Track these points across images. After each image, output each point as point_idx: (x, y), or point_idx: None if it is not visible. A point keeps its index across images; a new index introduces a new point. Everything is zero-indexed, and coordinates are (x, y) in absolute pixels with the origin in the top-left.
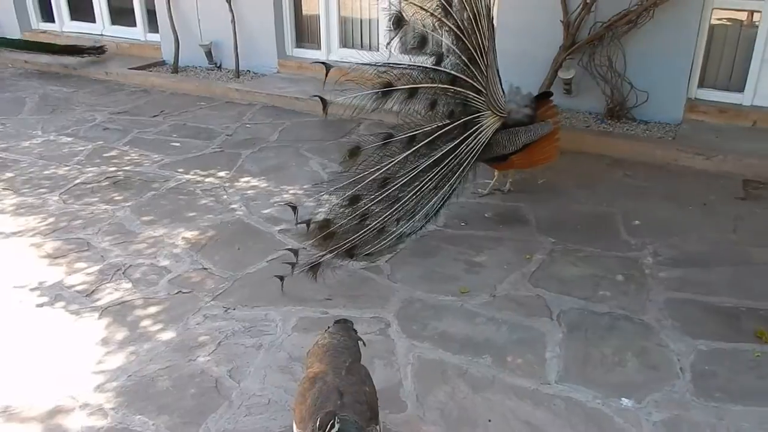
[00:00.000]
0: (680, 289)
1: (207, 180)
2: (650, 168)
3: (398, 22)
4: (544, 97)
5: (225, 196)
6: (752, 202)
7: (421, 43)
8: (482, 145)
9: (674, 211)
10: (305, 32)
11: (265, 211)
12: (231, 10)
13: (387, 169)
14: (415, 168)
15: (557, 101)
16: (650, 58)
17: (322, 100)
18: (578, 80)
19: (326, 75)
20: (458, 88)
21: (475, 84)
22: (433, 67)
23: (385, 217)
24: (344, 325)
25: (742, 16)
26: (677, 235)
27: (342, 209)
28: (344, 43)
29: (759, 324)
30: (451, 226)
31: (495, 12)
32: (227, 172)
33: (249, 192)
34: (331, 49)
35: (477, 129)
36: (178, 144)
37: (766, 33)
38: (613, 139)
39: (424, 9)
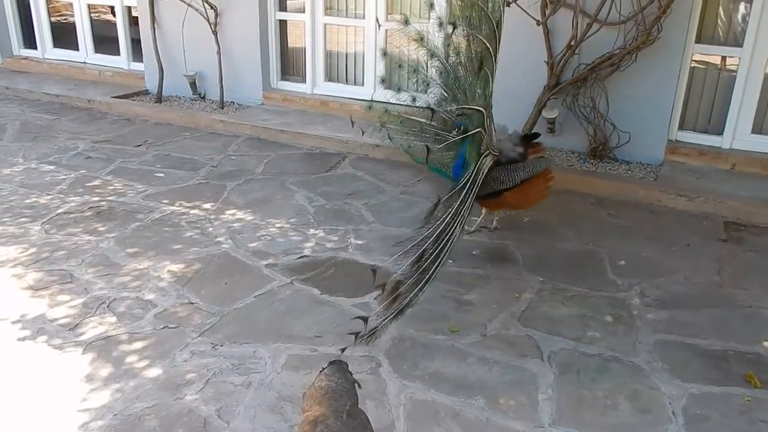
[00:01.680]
0: (669, 331)
1: (192, 212)
2: (633, 208)
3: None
4: (531, 137)
5: (211, 229)
6: (734, 244)
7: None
8: (479, 183)
9: (659, 252)
10: (290, 65)
11: (252, 245)
12: (217, 42)
13: (446, 221)
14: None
15: (541, 139)
16: (633, 100)
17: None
18: (562, 120)
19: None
20: (482, 131)
21: (485, 124)
22: (461, 109)
23: (434, 269)
24: (340, 366)
25: (721, 60)
26: (663, 276)
27: (410, 268)
28: (329, 76)
29: (747, 367)
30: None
31: None
32: (213, 204)
33: (235, 225)
34: (316, 83)
35: (481, 170)
36: (162, 174)
37: (744, 78)
38: (596, 179)
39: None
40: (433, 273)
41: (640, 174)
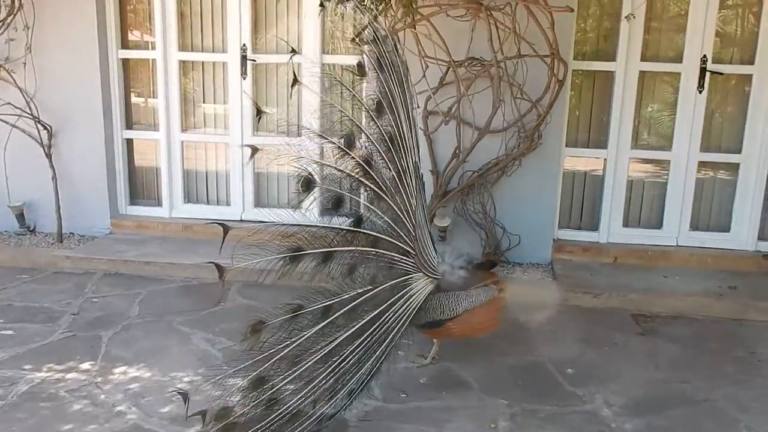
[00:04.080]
0: None
1: (69, 376)
2: (543, 310)
3: (308, 184)
4: (488, 264)
5: (103, 396)
6: (652, 336)
7: (336, 204)
8: (414, 310)
9: (594, 354)
10: (141, 187)
11: (165, 410)
12: (52, 166)
13: (298, 345)
14: (332, 341)
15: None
16: (520, 202)
17: (218, 267)
18: (452, 227)
19: (224, 237)
20: (381, 250)
21: (401, 245)
22: (351, 228)
23: (298, 399)
24: None
25: (591, 162)
26: (613, 380)
27: (245, 394)
28: (188, 197)
29: None
30: (392, 400)
31: None
32: (92, 362)
33: (133, 386)
34: (174, 205)
35: (407, 293)
36: (11, 332)
37: (613, 177)
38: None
39: (340, 170)
40: (318, 409)
41: (538, 275)
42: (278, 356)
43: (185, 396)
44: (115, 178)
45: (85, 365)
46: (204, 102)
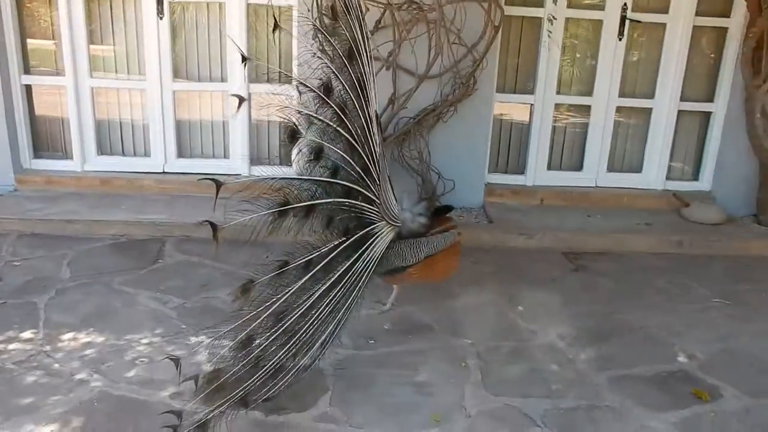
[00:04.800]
0: (607, 368)
1: (12, 347)
2: (486, 252)
3: (293, 134)
4: (444, 210)
5: (57, 365)
6: (584, 272)
7: (317, 155)
8: (377, 258)
9: (538, 291)
10: (45, 139)
11: (130, 374)
12: None
13: (284, 302)
14: (312, 294)
15: None
16: (454, 148)
17: (213, 225)
18: (390, 173)
19: (217, 193)
20: (353, 201)
21: (368, 194)
22: (329, 179)
23: (281, 355)
24: None
25: (518, 107)
26: (559, 314)
27: (233, 354)
28: (101, 149)
29: (684, 384)
30: (361, 347)
31: None
32: (34, 330)
33: (87, 352)
34: (86, 158)
35: (372, 242)
36: None
37: (540, 122)
38: None
39: (319, 119)
40: (299, 361)
41: (474, 219)
42: (266, 314)
43: (177, 361)
44: (16, 130)
45: (27, 334)
46: (115, 44)
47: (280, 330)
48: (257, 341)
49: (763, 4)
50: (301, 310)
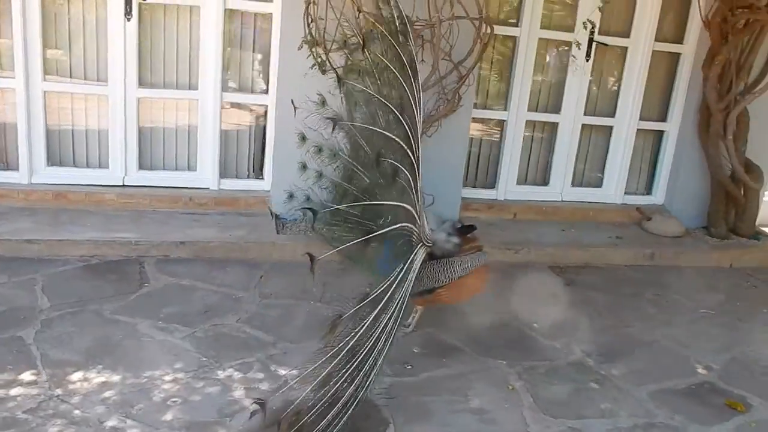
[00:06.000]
0: (642, 383)
1: (16, 393)
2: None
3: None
4: (467, 230)
5: (78, 412)
6: (576, 286)
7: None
8: (413, 280)
9: (546, 308)
10: None
11: (168, 417)
12: None
13: (360, 335)
14: (379, 325)
15: None
16: (435, 164)
17: (311, 257)
18: None
19: (312, 266)
20: (408, 224)
21: (416, 216)
22: (400, 204)
23: (350, 390)
24: None
25: (490, 123)
26: (574, 330)
27: (313, 394)
28: (53, 159)
29: (717, 396)
30: (401, 373)
31: None
32: (34, 371)
33: (108, 394)
34: (34, 169)
35: (413, 264)
36: None
37: (512, 138)
38: None
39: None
40: (356, 391)
41: None
42: (345, 349)
43: (263, 405)
44: None
45: (27, 376)
46: (71, 45)
47: (354, 365)
48: (334, 379)
49: (727, 33)
50: (371, 343)
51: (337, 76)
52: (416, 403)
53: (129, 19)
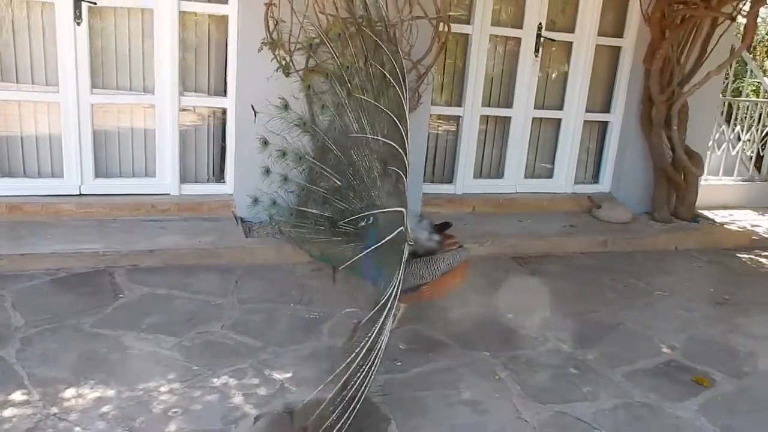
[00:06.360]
0: (616, 365)
1: (9, 414)
2: None
3: None
4: (444, 227)
5: (79, 429)
6: (539, 275)
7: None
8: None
9: (512, 297)
10: None
11: (172, 428)
12: None
13: (373, 339)
14: (384, 326)
15: None
16: None
17: (334, 267)
18: None
19: (334, 275)
20: (400, 227)
21: (404, 216)
22: (396, 209)
23: (363, 390)
24: None
25: (447, 120)
26: (546, 318)
27: (335, 398)
28: (1, 171)
29: (683, 373)
30: (392, 369)
31: None
32: (24, 391)
33: (106, 409)
34: None
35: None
36: None
37: (468, 133)
38: None
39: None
40: (363, 390)
41: None
42: (362, 354)
43: (292, 414)
44: None
45: (18, 396)
46: (16, 50)
47: (367, 367)
48: (351, 383)
49: (665, 28)
50: (381, 344)
51: (301, 78)
52: (411, 399)
53: (79, 23)
